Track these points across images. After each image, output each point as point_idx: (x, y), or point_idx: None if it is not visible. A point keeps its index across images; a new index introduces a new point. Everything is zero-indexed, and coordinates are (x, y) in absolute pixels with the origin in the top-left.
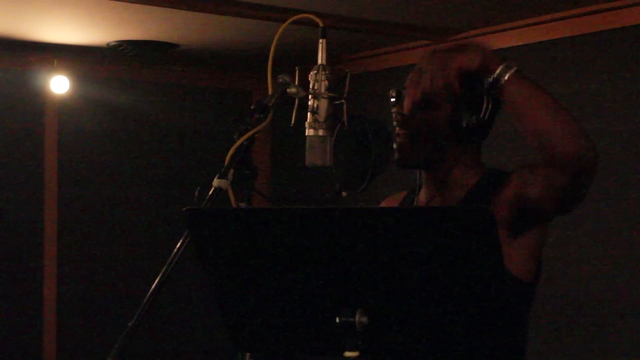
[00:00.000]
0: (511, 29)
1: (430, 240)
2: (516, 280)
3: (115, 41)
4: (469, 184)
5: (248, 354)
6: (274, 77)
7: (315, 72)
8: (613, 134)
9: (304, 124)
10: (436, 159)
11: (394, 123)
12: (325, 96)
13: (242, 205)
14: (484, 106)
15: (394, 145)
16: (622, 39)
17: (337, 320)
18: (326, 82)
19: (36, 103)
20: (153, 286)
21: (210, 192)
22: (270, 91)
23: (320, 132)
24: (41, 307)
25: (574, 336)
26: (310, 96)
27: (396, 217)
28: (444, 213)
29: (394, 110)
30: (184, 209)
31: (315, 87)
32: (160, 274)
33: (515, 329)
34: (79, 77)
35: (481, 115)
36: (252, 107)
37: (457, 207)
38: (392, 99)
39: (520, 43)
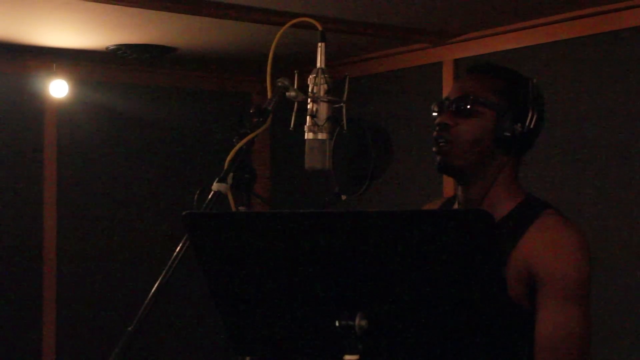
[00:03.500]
0: (511, 31)
1: (429, 243)
2: (516, 307)
3: (115, 45)
4: (502, 211)
5: (248, 358)
6: (273, 81)
7: (315, 75)
8: (613, 136)
9: (303, 127)
10: (478, 169)
11: (435, 134)
12: (325, 100)
13: (242, 209)
14: (529, 116)
15: (434, 149)
16: (622, 41)
17: (337, 323)
18: (325, 86)
19: (35, 107)
20: (153, 290)
21: (210, 196)
22: (269, 95)
23: (320, 136)
24: (41, 310)
25: None
26: (309, 100)
27: (395, 221)
28: (443, 217)
29: (435, 121)
30: (184, 213)
31: (315, 91)
32: (160, 278)
33: (515, 339)
34: (78, 81)
35: (527, 124)
36: (251, 111)
37: (456, 211)
38: (435, 111)
39: (519, 45)
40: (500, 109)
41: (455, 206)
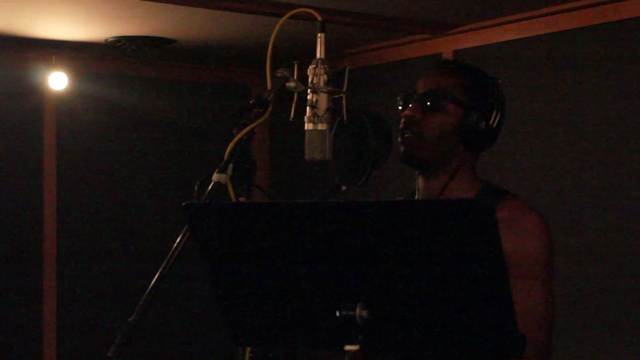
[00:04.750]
0: (510, 22)
1: (429, 233)
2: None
3: (114, 37)
4: (467, 196)
5: (248, 349)
6: (272, 72)
7: (314, 66)
8: (612, 127)
9: (303, 118)
10: (441, 163)
11: (402, 126)
12: (324, 90)
13: (242, 199)
14: (494, 114)
15: (399, 139)
16: (623, 31)
17: (338, 313)
18: (325, 77)
19: (35, 100)
20: (153, 281)
21: (210, 187)
22: (269, 86)
23: (320, 126)
24: (41, 303)
25: (574, 335)
26: (309, 90)
27: (395, 211)
28: (443, 206)
29: (402, 114)
30: (183, 204)
31: (314, 81)
32: (160, 269)
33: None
34: (77, 74)
35: (490, 122)
36: (251, 102)
37: (456, 200)
38: (400, 104)
39: (519, 36)
40: (467, 106)
41: (416, 197)
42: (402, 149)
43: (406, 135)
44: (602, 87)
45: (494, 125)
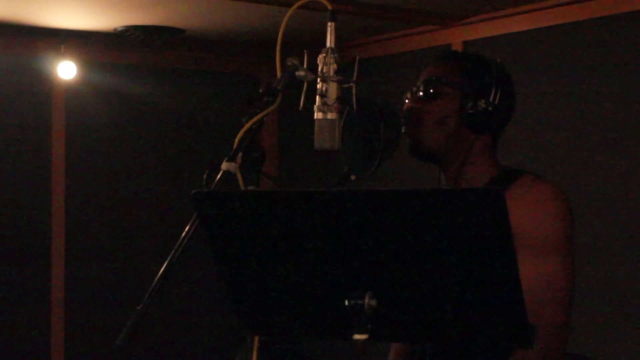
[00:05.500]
0: (519, 13)
1: (439, 222)
2: None
3: (123, 26)
4: (482, 181)
5: (257, 337)
6: (282, 61)
7: (324, 55)
8: (624, 117)
9: (313, 107)
10: (448, 150)
11: (403, 120)
12: (334, 79)
13: (251, 188)
14: (492, 93)
15: (404, 134)
16: (632, 23)
17: (346, 302)
18: (335, 66)
19: (43, 89)
20: (162, 270)
21: (219, 176)
22: (279, 74)
23: (329, 116)
24: (49, 289)
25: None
26: (319, 79)
27: (405, 200)
28: (453, 195)
29: (404, 107)
30: (193, 192)
31: (324, 71)
32: (169, 258)
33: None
34: (86, 63)
35: (491, 101)
36: (260, 91)
37: (466, 189)
38: (406, 99)
39: (527, 28)
40: (464, 88)
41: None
42: (408, 145)
43: (408, 126)
44: (612, 78)
45: (495, 102)
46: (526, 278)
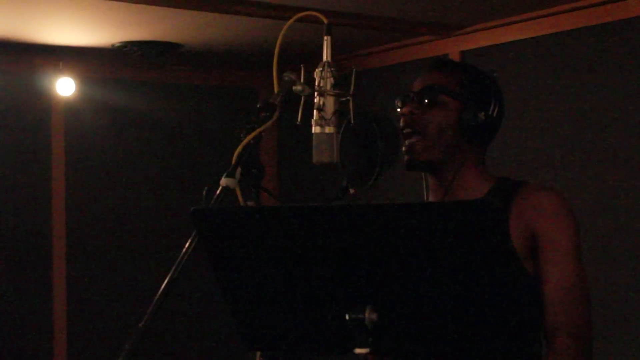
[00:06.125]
0: (515, 22)
1: (438, 235)
2: (532, 279)
3: (120, 42)
4: (481, 191)
5: (258, 353)
6: (279, 75)
7: (321, 69)
8: (619, 127)
9: (310, 121)
10: (445, 160)
11: (401, 124)
12: (332, 93)
13: (250, 204)
14: (492, 106)
15: (403, 148)
16: (627, 30)
17: (347, 317)
18: (332, 79)
19: (42, 105)
20: (162, 286)
21: (218, 192)
22: (276, 89)
23: (327, 130)
24: (51, 308)
25: None
26: (316, 93)
27: (404, 213)
28: (451, 208)
29: (401, 112)
30: (192, 208)
31: (321, 85)
32: (169, 274)
33: (529, 328)
34: (84, 79)
35: (490, 113)
36: (258, 106)
37: (465, 202)
38: (399, 106)
39: (524, 36)
40: (464, 99)
41: (425, 196)
42: (405, 157)
43: (407, 134)
44: (609, 87)
45: (494, 116)
46: (554, 282)
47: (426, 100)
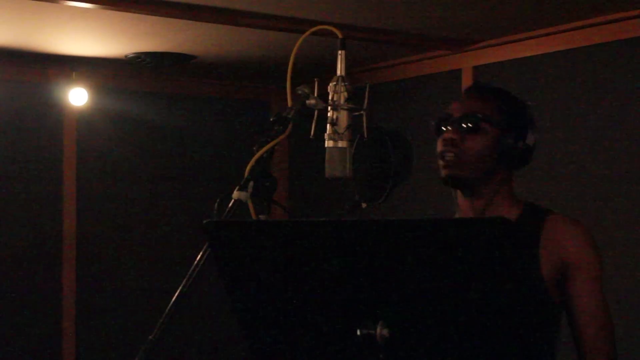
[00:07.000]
0: (529, 38)
1: (450, 251)
2: (549, 301)
3: (134, 53)
4: (511, 217)
5: None
6: (293, 89)
7: (335, 83)
8: (634, 142)
9: (324, 135)
10: (482, 181)
11: (441, 148)
12: (345, 107)
13: (262, 217)
14: (529, 134)
15: (441, 162)
16: None
17: (358, 332)
18: (345, 94)
19: (55, 115)
20: (173, 299)
21: (230, 205)
22: (289, 103)
23: (340, 144)
24: (60, 318)
25: None
26: (329, 107)
27: (416, 229)
28: (463, 224)
29: (441, 137)
30: (204, 221)
31: (335, 99)
32: (181, 287)
33: (541, 346)
34: (97, 89)
35: (527, 141)
36: (271, 119)
37: (476, 219)
38: (435, 129)
39: (538, 52)
40: (503, 126)
41: (456, 216)
42: (443, 172)
43: (447, 156)
44: (623, 104)
45: (531, 144)
46: (590, 310)
47: (467, 126)
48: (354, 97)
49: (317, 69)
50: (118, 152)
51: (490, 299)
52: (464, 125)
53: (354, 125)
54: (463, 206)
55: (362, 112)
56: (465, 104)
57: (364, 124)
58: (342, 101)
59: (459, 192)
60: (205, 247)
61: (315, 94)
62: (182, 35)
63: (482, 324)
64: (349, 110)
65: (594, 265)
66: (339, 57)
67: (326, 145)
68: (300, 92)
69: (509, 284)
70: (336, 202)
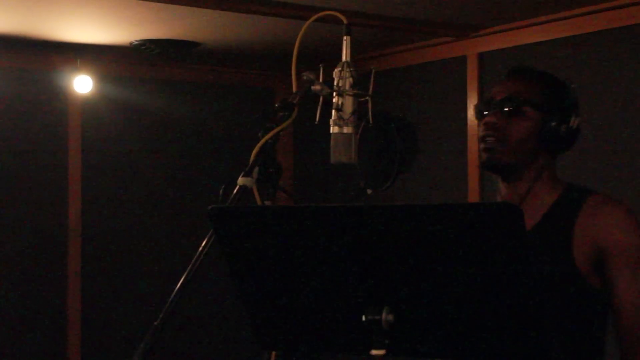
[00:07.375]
0: (535, 24)
1: (456, 237)
2: (587, 286)
3: (138, 40)
4: (549, 201)
5: (273, 353)
6: (298, 75)
7: (340, 69)
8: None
9: (329, 121)
10: (524, 165)
11: (483, 132)
12: (350, 93)
13: (267, 203)
14: (573, 118)
15: (482, 145)
16: None
17: (363, 318)
18: (351, 79)
19: (60, 103)
20: (178, 285)
21: (235, 191)
22: (294, 89)
23: (345, 130)
24: (65, 306)
25: None
26: (334, 93)
27: (422, 215)
28: (470, 209)
29: (483, 121)
30: (209, 207)
31: (340, 85)
32: (186, 273)
33: (547, 329)
34: (102, 77)
35: (570, 125)
36: (276, 105)
37: (483, 204)
38: (477, 113)
39: (544, 39)
40: (546, 110)
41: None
42: (484, 156)
43: (488, 140)
44: (629, 90)
45: (574, 128)
46: (626, 293)
47: (509, 110)
48: (359, 82)
49: (322, 55)
50: (123, 140)
51: (496, 284)
52: (505, 109)
53: (359, 111)
54: (504, 192)
55: (367, 97)
56: (508, 87)
57: (370, 110)
58: (347, 87)
59: (500, 178)
60: (210, 233)
61: (321, 80)
62: (186, 22)
63: (488, 310)
64: (354, 96)
65: (633, 251)
66: (344, 42)
67: (331, 131)
68: (305, 77)
69: (515, 269)
70: (342, 188)
